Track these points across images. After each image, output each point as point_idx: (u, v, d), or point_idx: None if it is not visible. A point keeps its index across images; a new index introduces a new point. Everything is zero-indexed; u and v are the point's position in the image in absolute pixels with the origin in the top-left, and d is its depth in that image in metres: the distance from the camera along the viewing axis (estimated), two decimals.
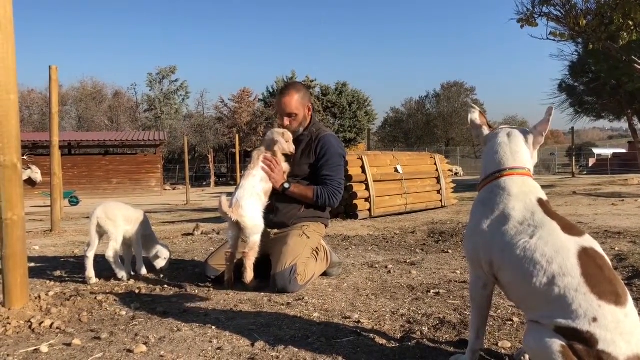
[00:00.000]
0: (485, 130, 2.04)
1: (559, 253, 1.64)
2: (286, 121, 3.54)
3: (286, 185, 3.40)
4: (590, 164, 38.60)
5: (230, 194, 3.33)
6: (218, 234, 6.25)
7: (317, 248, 3.53)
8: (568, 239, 1.67)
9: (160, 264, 3.81)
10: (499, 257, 1.77)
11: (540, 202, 1.80)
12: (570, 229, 1.72)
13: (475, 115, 2.08)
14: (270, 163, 3.33)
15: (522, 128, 2.03)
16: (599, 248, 1.69)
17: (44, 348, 2.21)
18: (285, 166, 3.45)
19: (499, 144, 1.95)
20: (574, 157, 26.32)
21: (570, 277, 1.59)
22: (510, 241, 1.74)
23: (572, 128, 24.93)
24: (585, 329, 1.51)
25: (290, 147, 3.41)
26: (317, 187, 3.47)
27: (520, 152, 1.92)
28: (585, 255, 1.63)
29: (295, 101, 3.52)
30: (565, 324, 1.55)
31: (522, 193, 1.82)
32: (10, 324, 2.52)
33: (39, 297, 3.00)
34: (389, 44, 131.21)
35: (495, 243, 1.79)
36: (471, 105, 2.13)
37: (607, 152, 44.08)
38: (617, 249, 4.32)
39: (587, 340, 1.50)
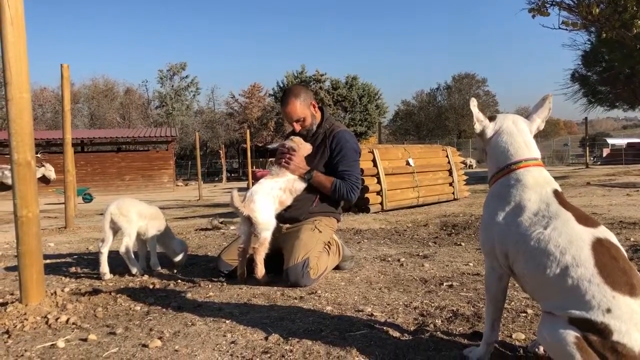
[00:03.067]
0: (489, 123, 1.99)
1: (572, 244, 1.63)
2: (297, 127, 3.58)
3: (307, 177, 3.40)
4: (604, 154, 38.23)
5: (242, 189, 3.35)
6: (232, 227, 6.27)
7: (329, 242, 3.53)
8: (582, 229, 1.66)
9: (178, 259, 3.84)
10: (514, 248, 1.76)
11: (556, 193, 1.78)
12: (585, 220, 1.70)
13: (477, 109, 2.00)
14: (288, 153, 3.37)
15: (517, 115, 2.00)
16: (613, 239, 1.67)
17: (61, 343, 2.23)
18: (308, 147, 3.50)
19: (509, 134, 1.91)
20: (587, 148, 26.07)
21: (584, 268, 1.58)
22: (524, 232, 1.73)
23: (586, 118, 24.72)
24: (599, 320, 1.50)
25: (306, 147, 3.48)
26: (336, 180, 3.48)
27: (532, 142, 1.91)
28: (600, 246, 1.62)
29: (298, 107, 3.53)
30: (579, 315, 1.54)
31: (538, 184, 1.80)
32: (27, 319, 2.55)
33: (55, 293, 3.04)
34: (399, 36, 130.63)
35: (510, 234, 1.78)
36: (472, 97, 2.07)
37: (622, 141, 43.64)
38: (632, 239, 4.27)
39: (602, 331, 1.49)
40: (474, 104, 1.99)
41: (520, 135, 1.91)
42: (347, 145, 3.53)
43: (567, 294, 1.59)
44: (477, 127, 2.00)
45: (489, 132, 1.97)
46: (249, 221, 3.16)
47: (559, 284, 1.61)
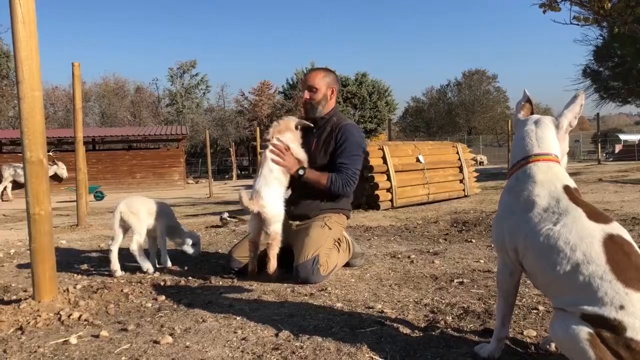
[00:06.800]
0: (521, 116, 2.01)
1: (583, 240, 1.61)
2: (306, 94, 3.58)
3: (300, 172, 3.36)
4: (616, 151, 37.89)
5: (250, 187, 3.35)
6: (244, 224, 6.29)
7: (339, 239, 3.53)
8: (593, 226, 1.64)
9: (191, 250, 3.89)
10: (523, 244, 1.75)
11: (566, 189, 1.76)
12: (597, 216, 1.68)
13: (521, 101, 2.05)
14: (279, 151, 3.29)
15: (547, 116, 2.00)
16: (626, 235, 1.65)
17: (73, 339, 2.25)
18: (302, 155, 3.43)
19: (526, 131, 1.92)
20: (599, 144, 25.85)
21: (595, 265, 1.56)
22: (533, 228, 1.72)
23: (597, 114, 24.58)
24: (612, 317, 1.49)
25: (302, 122, 3.47)
26: (331, 174, 3.45)
27: (546, 138, 1.88)
28: (611, 242, 1.60)
29: (318, 77, 3.58)
30: (591, 311, 1.52)
31: (548, 180, 1.79)
32: (40, 316, 2.57)
33: (67, 290, 3.06)
34: (408, 33, 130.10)
35: (519, 230, 1.77)
36: (525, 90, 2.09)
37: (634, 137, 43.26)
38: None
39: (615, 327, 1.48)
40: (524, 96, 2.05)
41: (535, 132, 1.90)
42: (351, 138, 3.51)
43: (578, 291, 1.58)
44: (516, 112, 2.05)
45: (514, 124, 2.02)
46: (259, 217, 3.16)
47: (570, 281, 1.60)
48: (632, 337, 1.46)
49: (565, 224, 1.67)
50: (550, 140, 1.89)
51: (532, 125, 1.92)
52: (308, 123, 3.52)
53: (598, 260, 1.57)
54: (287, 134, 3.38)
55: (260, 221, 3.17)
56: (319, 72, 3.66)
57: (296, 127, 3.45)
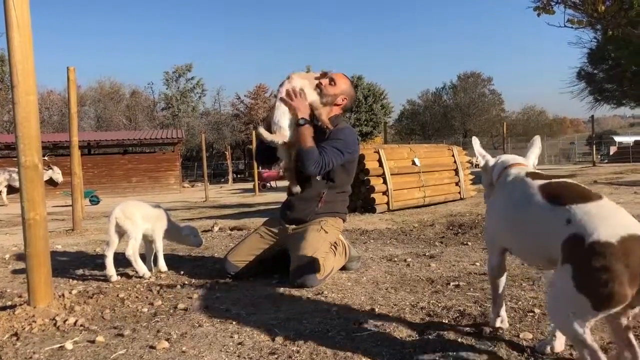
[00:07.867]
0: (490, 160, 2.31)
1: (527, 190, 1.90)
2: (324, 81, 3.58)
3: (301, 122, 3.35)
4: (611, 153, 38.07)
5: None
6: (241, 230, 6.28)
7: (335, 242, 3.52)
8: (537, 181, 1.91)
9: (196, 241, 3.97)
10: (498, 225, 2.10)
11: (529, 173, 2.02)
12: (544, 178, 1.94)
13: (478, 145, 2.37)
14: (292, 94, 3.39)
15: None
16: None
17: (69, 345, 2.24)
18: (316, 99, 3.48)
19: (505, 158, 2.24)
20: (594, 146, 25.95)
21: (537, 197, 1.83)
22: (503, 202, 2.07)
23: (592, 116, 24.61)
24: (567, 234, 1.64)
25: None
26: (315, 146, 3.37)
27: (520, 159, 2.22)
28: (548, 184, 1.86)
29: (342, 79, 3.65)
30: (552, 243, 1.70)
31: (517, 173, 2.08)
32: (35, 321, 2.56)
33: (63, 295, 3.05)
34: (404, 36, 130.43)
35: (497, 214, 2.11)
36: (474, 137, 2.45)
37: (629, 139, 43.48)
38: None
39: (578, 243, 1.58)
40: (476, 142, 2.38)
41: (513, 157, 2.25)
42: (340, 136, 3.47)
43: (536, 233, 1.81)
44: (481, 161, 2.35)
45: (491, 162, 2.29)
46: (285, 145, 3.36)
47: (528, 226, 1.86)
48: (593, 240, 1.54)
49: (516, 187, 1.99)
50: (521, 159, 2.24)
51: (509, 156, 2.27)
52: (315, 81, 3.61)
53: (538, 195, 1.83)
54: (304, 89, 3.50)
55: (287, 149, 3.38)
56: (347, 78, 3.71)
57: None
